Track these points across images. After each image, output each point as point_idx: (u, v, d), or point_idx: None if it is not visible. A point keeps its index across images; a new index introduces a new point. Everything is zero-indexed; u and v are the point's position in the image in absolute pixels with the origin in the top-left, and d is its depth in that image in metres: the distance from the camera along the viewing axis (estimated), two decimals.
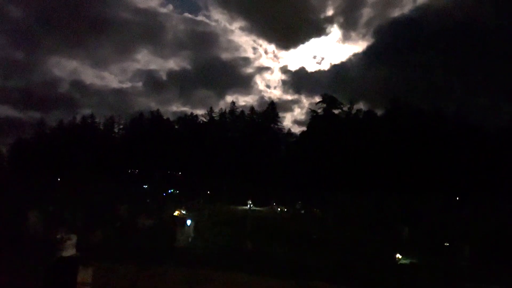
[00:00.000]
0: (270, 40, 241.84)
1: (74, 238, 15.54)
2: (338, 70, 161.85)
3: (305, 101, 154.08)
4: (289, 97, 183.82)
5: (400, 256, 20.31)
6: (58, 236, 15.37)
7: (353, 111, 69.55)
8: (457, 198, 42.52)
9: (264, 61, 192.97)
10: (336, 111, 67.99)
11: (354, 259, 18.84)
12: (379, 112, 70.01)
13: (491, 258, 19.80)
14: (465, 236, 23.77)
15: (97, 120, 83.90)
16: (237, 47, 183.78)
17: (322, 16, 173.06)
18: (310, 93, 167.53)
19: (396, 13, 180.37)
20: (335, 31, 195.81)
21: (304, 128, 76.45)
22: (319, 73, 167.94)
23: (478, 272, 17.84)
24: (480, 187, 42.95)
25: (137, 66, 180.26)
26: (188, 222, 22.71)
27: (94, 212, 25.48)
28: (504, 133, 57.04)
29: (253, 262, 16.33)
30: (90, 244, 16.35)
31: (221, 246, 19.64)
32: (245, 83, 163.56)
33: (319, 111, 69.19)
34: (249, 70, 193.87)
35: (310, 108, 74.65)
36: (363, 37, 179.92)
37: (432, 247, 23.27)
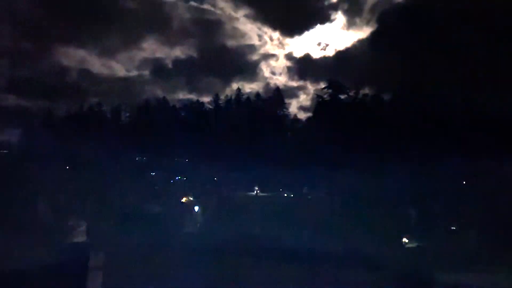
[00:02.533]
0: (275, 28, 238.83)
1: (84, 225, 15.82)
2: (343, 56, 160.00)
3: (311, 87, 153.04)
4: (294, 83, 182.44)
5: (406, 240, 20.41)
6: (69, 223, 15.66)
7: (360, 96, 68.95)
8: (464, 182, 42.35)
9: (269, 48, 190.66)
10: (342, 96, 67.49)
11: (361, 243, 18.94)
12: (386, 97, 69.33)
13: (498, 241, 19.82)
14: (472, 220, 23.79)
15: (104, 108, 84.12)
16: (242, 35, 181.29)
17: (326, 3, 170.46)
18: (316, 79, 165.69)
19: None
20: (339, 17, 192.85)
21: (310, 114, 76.07)
22: (324, 59, 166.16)
23: (485, 255, 17.89)
24: (488, 171, 42.71)
25: (144, 54, 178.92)
26: (196, 208, 22.95)
27: (103, 200, 25.81)
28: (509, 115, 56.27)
29: (260, 246, 16.50)
30: (100, 231, 16.61)
31: (229, 231, 19.84)
32: (250, 70, 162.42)
33: (325, 96, 68.71)
34: (255, 57, 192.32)
35: (316, 94, 74.21)
36: (368, 23, 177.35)
37: (439, 231, 23.32)
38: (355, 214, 28.16)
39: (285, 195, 42.96)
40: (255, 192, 44.39)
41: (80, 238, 14.57)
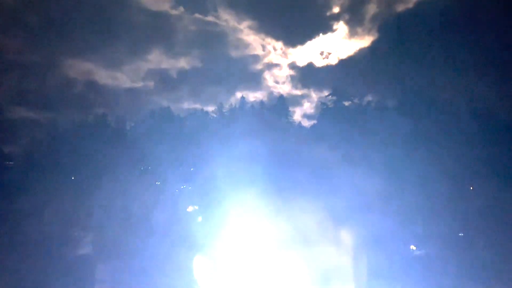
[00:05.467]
0: (278, 38, 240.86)
1: (90, 236, 15.81)
2: (345, 64, 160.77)
3: (314, 96, 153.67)
4: (298, 92, 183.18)
5: (414, 247, 20.23)
6: (75, 234, 15.66)
7: (364, 103, 68.94)
8: (471, 188, 41.99)
9: (272, 57, 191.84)
10: (346, 103, 67.51)
11: (369, 250, 18.76)
12: (390, 104, 69.22)
13: (506, 249, 19.58)
14: (480, 227, 23.53)
15: (109, 118, 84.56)
16: (246, 45, 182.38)
17: (328, 13, 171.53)
18: (319, 87, 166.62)
19: (400, 7, 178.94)
20: (341, 27, 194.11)
21: (314, 122, 76.08)
22: (327, 68, 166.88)
23: (493, 263, 17.67)
24: (494, 176, 42.38)
25: (149, 66, 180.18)
26: (200, 218, 22.90)
27: (108, 210, 25.81)
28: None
29: (266, 258, 16.41)
30: (106, 241, 16.60)
31: (234, 241, 19.73)
32: (254, 79, 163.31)
33: (329, 104, 68.79)
34: (258, 66, 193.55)
35: (320, 101, 74.27)
36: (369, 32, 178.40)
37: (447, 238, 23.08)
38: (358, 220, 27.93)
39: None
40: None
41: (86, 249, 14.56)
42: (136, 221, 23.82)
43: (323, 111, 69.36)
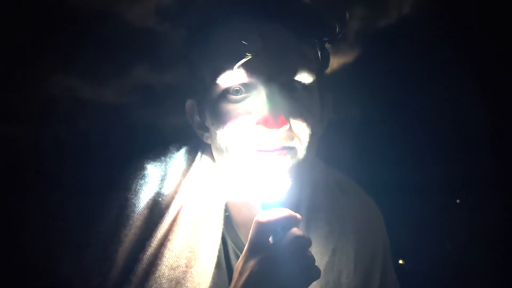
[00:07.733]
0: None
1: (70, 256, 15.34)
2: (330, 79, 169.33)
3: None
4: None
5: (402, 262, 20.26)
6: (56, 256, 15.21)
7: (349, 117, 70.66)
8: (458, 201, 42.69)
9: None
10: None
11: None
12: (374, 117, 71.09)
13: (497, 264, 19.69)
14: (466, 240, 23.73)
15: (92, 134, 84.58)
16: None
17: None
18: None
19: (382, 23, 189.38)
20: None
21: None
22: None
23: (482, 277, 17.73)
24: (481, 189, 43.34)
25: (134, 81, 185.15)
26: None
27: (90, 229, 25.35)
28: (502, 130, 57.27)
29: None
30: (88, 261, 16.14)
31: None
32: None
33: None
34: None
35: None
36: (352, 48, 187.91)
37: (434, 250, 23.20)
38: None
39: None
40: None
41: (67, 269, 14.13)
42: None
43: None
